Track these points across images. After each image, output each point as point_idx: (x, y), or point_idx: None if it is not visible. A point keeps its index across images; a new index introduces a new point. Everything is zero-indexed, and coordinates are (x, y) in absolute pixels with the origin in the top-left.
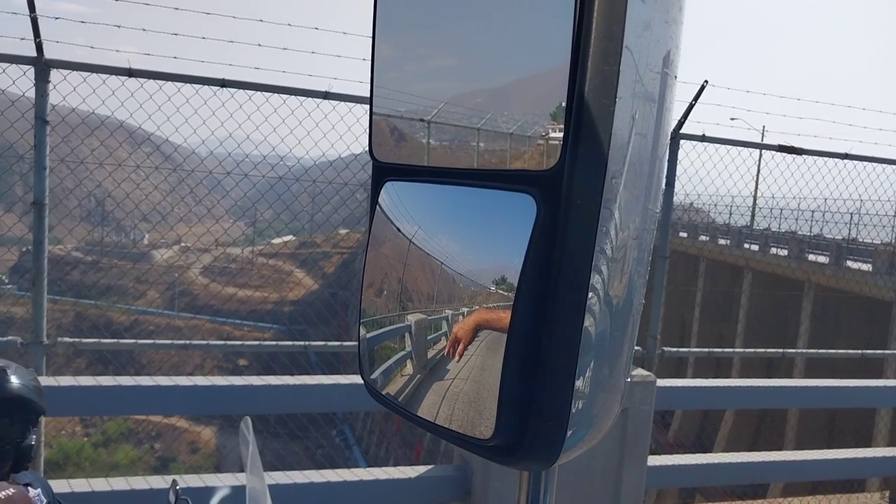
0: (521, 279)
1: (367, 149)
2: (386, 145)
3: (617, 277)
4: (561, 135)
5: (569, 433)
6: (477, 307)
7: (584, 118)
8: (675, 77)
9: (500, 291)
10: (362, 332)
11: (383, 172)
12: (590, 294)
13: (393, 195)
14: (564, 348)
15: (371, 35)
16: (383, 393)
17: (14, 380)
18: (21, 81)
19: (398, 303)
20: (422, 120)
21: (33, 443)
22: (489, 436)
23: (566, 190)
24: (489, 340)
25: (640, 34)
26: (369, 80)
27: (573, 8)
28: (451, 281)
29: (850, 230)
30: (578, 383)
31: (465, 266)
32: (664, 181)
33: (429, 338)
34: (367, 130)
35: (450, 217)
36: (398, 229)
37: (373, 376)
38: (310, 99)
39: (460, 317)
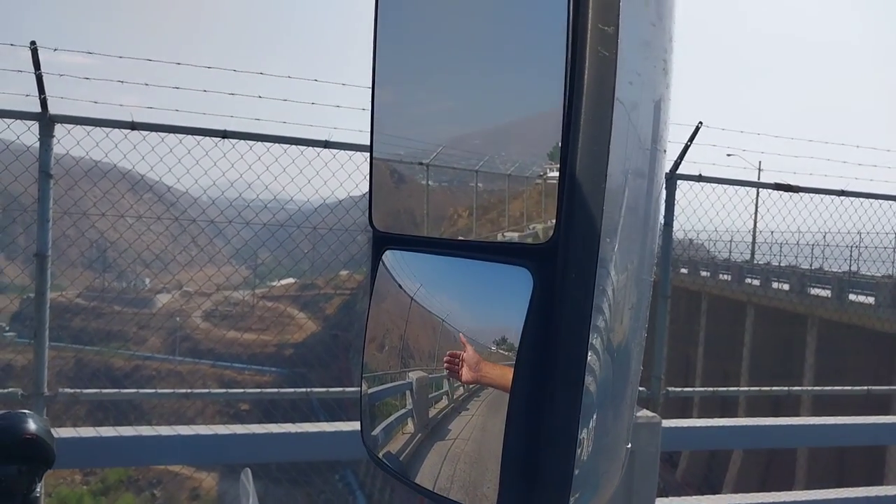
0: (520, 348)
1: (366, 192)
2: (385, 215)
3: (615, 345)
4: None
5: (572, 500)
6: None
7: (577, 196)
8: (664, 151)
9: (501, 352)
10: (364, 387)
11: (383, 241)
12: (589, 360)
13: (393, 261)
14: (565, 414)
15: (370, 98)
16: (382, 454)
17: (33, 423)
18: (25, 135)
19: (399, 359)
20: (420, 163)
21: (38, 494)
22: None
23: (561, 263)
24: (490, 400)
25: (628, 115)
26: (369, 151)
27: (562, 90)
28: (452, 339)
29: (850, 264)
30: (580, 449)
31: (465, 325)
32: (656, 250)
33: (430, 396)
34: (367, 199)
35: (449, 285)
36: (400, 286)
37: (374, 433)
38: (310, 147)
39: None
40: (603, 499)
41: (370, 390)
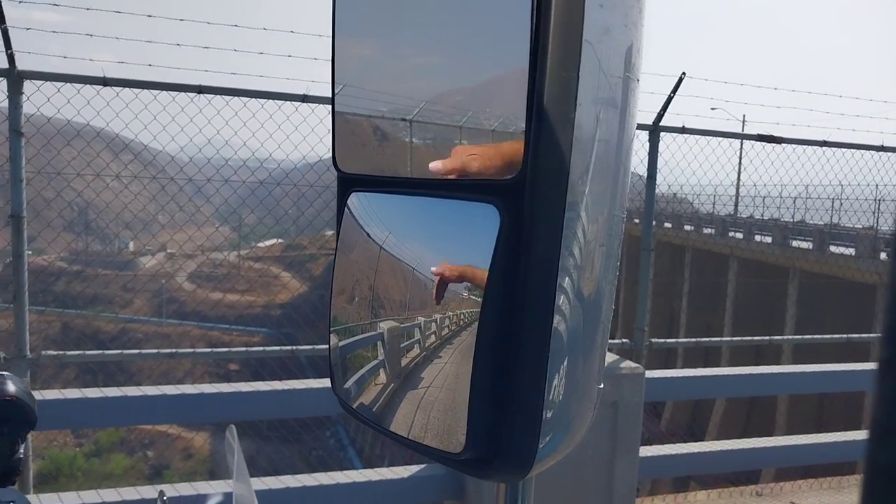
0: (487, 288)
1: None
2: (349, 156)
3: (585, 284)
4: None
5: (542, 442)
6: (451, 314)
7: (544, 126)
8: (637, 80)
9: (473, 297)
10: (333, 340)
11: (348, 183)
12: (558, 300)
13: (359, 205)
14: (534, 355)
15: (331, 41)
16: (355, 405)
17: (12, 385)
18: None
19: (370, 310)
20: (403, 119)
21: (22, 457)
22: (461, 449)
23: (529, 199)
24: (463, 347)
25: (599, 39)
26: (331, 88)
27: (530, 15)
28: (423, 287)
29: (832, 216)
30: (550, 390)
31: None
32: (629, 185)
33: (402, 345)
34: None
35: (418, 226)
36: (368, 235)
37: (346, 386)
38: (288, 102)
39: (433, 324)
40: (575, 439)
41: (341, 343)
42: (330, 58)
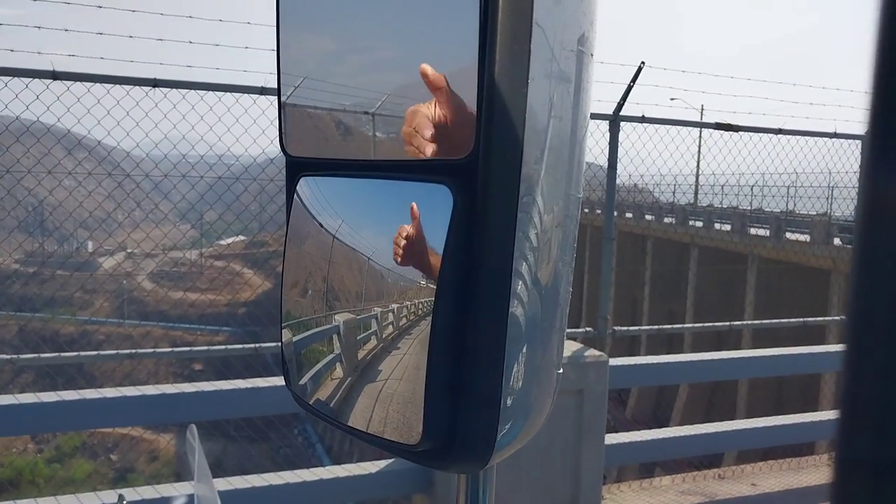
0: (441, 272)
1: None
2: (298, 138)
3: (542, 266)
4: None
5: (502, 430)
6: (408, 303)
7: (496, 103)
8: (592, 55)
9: (431, 285)
10: (286, 336)
11: (297, 167)
12: (514, 284)
13: (309, 190)
14: (491, 341)
15: (275, 23)
16: (312, 401)
17: None
18: None
19: (324, 303)
20: (366, 113)
21: None
22: (418, 440)
23: (482, 179)
24: (422, 337)
25: (550, 10)
26: (276, 70)
27: None
28: (379, 277)
29: (787, 203)
30: (508, 377)
31: (392, 261)
32: (584, 164)
33: (359, 338)
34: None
35: (371, 211)
36: (320, 224)
37: (301, 382)
38: (246, 95)
39: (390, 314)
40: (535, 426)
41: (295, 338)
42: (275, 38)
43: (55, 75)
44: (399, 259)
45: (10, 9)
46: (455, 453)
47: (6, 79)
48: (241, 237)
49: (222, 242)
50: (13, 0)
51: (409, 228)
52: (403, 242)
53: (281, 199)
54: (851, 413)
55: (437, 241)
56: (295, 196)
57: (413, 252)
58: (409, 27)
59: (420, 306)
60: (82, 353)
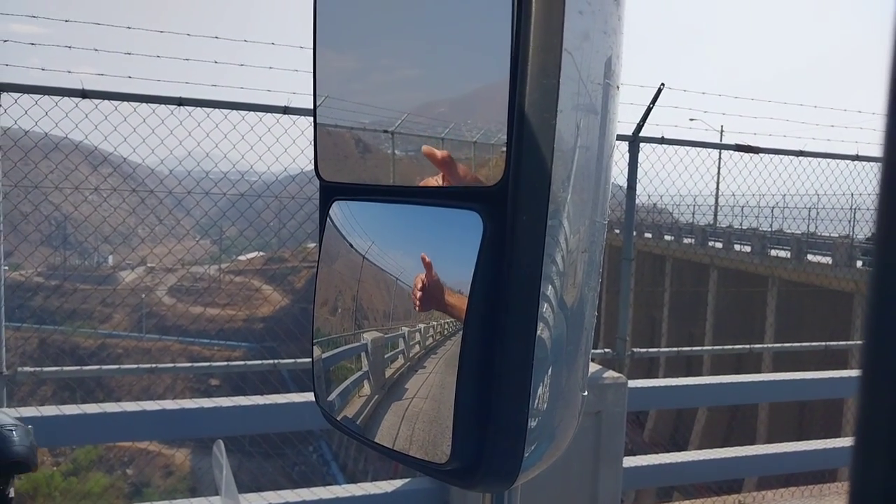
0: (471, 295)
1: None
2: (332, 164)
3: (568, 290)
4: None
5: (527, 451)
6: (435, 323)
7: (526, 133)
8: (618, 87)
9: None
10: (316, 352)
11: (330, 192)
12: (541, 308)
13: (341, 213)
14: (518, 364)
15: (312, 48)
16: (339, 417)
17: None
18: None
19: (353, 321)
20: (385, 131)
21: (12, 495)
22: (446, 459)
23: (511, 205)
24: (448, 357)
25: (579, 46)
26: (312, 97)
27: (510, 21)
28: (406, 297)
29: (808, 225)
30: (534, 399)
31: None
32: (610, 192)
33: (386, 356)
34: (313, 149)
35: (401, 235)
36: (351, 245)
37: (329, 398)
38: (269, 114)
39: (417, 333)
40: (560, 448)
41: (324, 355)
42: (311, 67)
43: (84, 93)
44: (418, 306)
45: (41, 27)
46: (482, 473)
47: (37, 96)
48: (261, 253)
49: (242, 258)
50: (45, 20)
51: (423, 277)
52: (419, 293)
53: (300, 215)
54: (866, 441)
55: (468, 264)
56: (328, 219)
57: (431, 298)
58: (445, 58)
59: (446, 326)
60: (104, 367)
